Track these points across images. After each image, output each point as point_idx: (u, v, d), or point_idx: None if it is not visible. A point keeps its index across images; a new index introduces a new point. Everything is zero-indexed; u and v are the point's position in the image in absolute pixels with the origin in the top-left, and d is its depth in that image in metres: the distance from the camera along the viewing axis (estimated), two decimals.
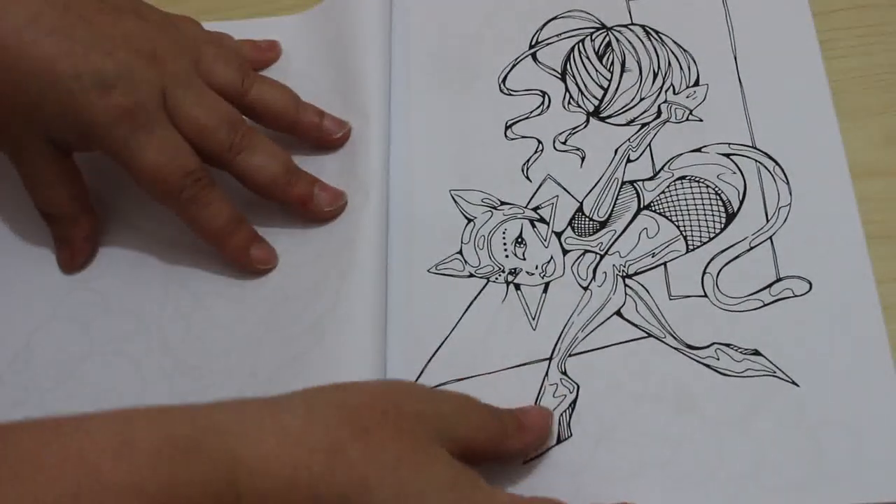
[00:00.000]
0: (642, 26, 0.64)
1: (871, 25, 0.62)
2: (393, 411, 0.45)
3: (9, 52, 0.52)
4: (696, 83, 0.61)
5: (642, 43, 0.63)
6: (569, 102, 0.62)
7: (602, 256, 0.57)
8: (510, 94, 0.63)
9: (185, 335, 0.56)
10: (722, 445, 0.50)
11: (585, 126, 0.61)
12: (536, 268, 0.57)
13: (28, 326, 0.57)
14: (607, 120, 0.61)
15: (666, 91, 0.61)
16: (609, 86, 0.62)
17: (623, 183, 0.59)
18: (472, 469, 0.45)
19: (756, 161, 0.58)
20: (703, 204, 0.57)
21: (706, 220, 0.57)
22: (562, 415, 0.52)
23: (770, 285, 0.54)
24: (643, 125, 0.60)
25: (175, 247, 0.59)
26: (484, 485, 0.45)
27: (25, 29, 0.52)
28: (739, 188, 0.58)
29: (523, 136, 0.61)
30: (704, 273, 0.55)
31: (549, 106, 0.62)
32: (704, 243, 0.56)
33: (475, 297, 0.56)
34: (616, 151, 0.60)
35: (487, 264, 0.57)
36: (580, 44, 0.64)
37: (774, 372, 0.52)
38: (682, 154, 0.59)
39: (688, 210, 0.57)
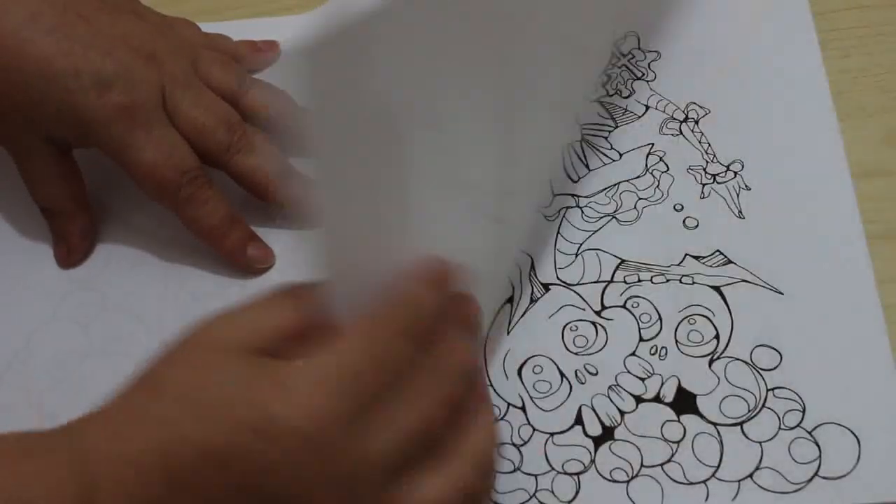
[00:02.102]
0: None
1: (871, 25, 0.62)
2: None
3: (8, 51, 0.52)
4: None
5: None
6: None
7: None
8: None
9: None
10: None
11: None
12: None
13: (28, 326, 0.57)
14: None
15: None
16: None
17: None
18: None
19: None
20: None
21: None
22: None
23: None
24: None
25: (175, 246, 0.59)
26: None
27: (24, 28, 0.52)
28: None
29: None
30: None
31: None
32: None
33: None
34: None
35: None
36: None
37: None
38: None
39: None
